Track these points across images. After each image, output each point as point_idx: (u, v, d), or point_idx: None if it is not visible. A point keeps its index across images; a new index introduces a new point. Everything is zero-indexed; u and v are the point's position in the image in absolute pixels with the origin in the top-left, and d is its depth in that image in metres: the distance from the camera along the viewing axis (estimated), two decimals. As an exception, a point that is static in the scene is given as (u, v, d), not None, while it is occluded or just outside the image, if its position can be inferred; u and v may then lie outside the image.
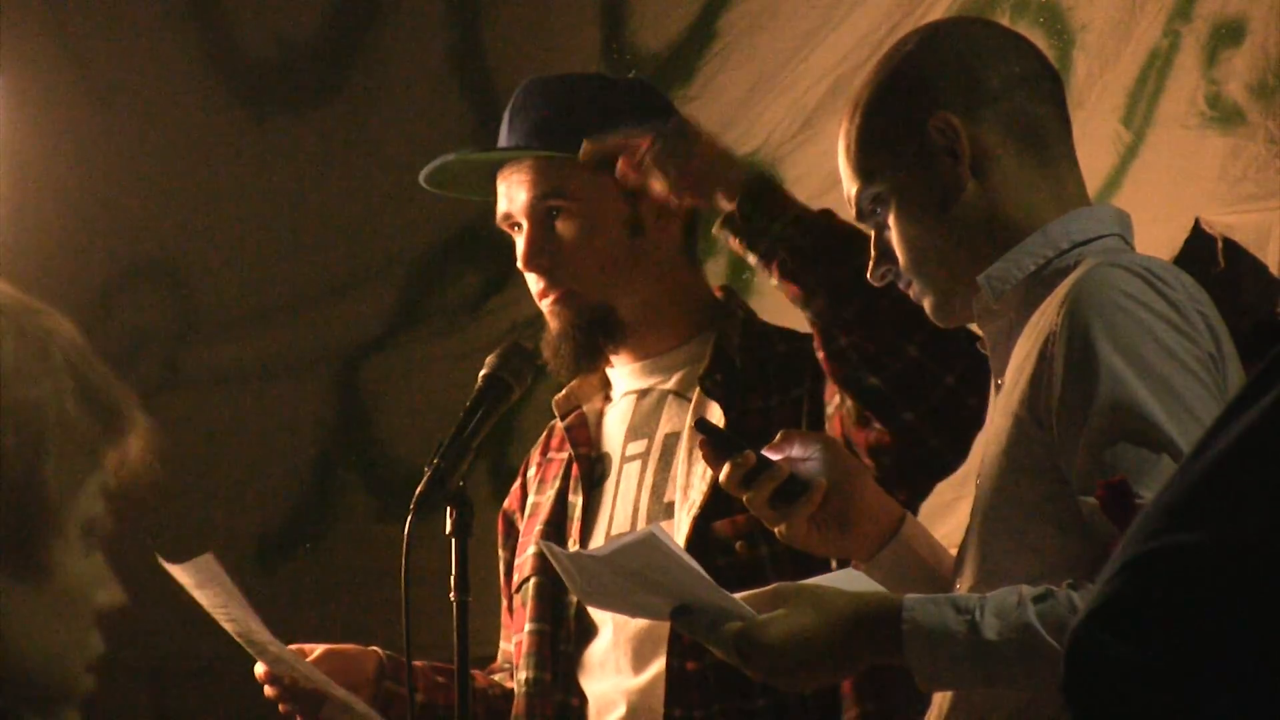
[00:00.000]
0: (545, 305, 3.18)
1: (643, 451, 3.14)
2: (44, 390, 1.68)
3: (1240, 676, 1.42)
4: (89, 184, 4.89)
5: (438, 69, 4.81)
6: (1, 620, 1.65)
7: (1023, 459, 2.39)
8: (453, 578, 2.84)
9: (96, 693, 1.73)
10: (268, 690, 3.10)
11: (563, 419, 3.25)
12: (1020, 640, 2.27)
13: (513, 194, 3.16)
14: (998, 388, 2.53)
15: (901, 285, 2.59)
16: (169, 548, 2.99)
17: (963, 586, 2.46)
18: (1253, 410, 1.45)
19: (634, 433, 3.17)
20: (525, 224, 3.15)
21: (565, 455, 3.23)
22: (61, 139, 4.87)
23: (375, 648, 3.21)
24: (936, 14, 4.02)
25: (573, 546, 3.10)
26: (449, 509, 2.86)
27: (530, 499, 3.28)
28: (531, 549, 3.20)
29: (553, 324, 3.17)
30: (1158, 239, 3.76)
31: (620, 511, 3.13)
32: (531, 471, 3.32)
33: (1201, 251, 3.83)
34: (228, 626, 3.05)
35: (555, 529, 3.18)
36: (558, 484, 3.22)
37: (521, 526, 3.29)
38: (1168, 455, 2.26)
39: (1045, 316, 2.40)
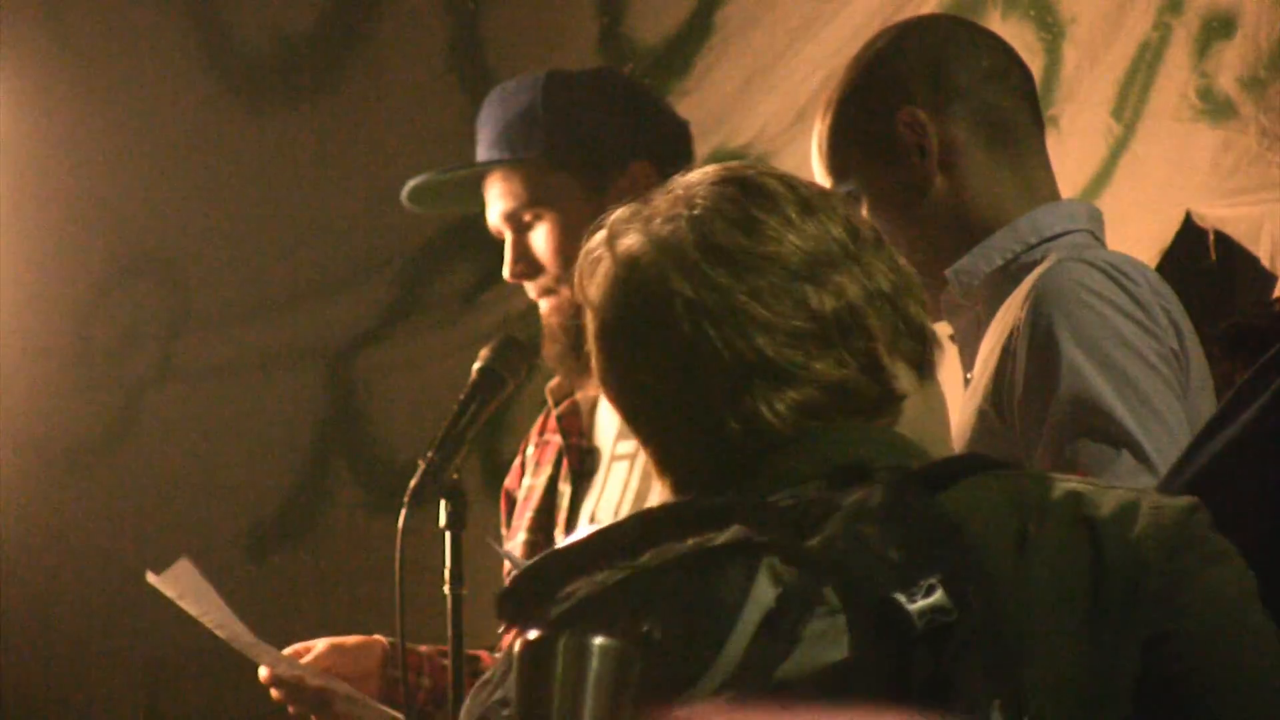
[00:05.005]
0: (541, 307, 3.21)
1: (631, 453, 3.14)
2: None
3: None
4: (86, 179, 4.90)
5: (436, 63, 4.81)
6: None
7: (987, 452, 2.35)
8: (447, 570, 2.84)
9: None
10: (274, 693, 3.10)
11: (556, 405, 3.25)
12: None
13: (491, 206, 3.22)
14: (967, 381, 2.53)
15: None
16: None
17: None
18: (1245, 413, 1.45)
19: (624, 433, 3.15)
20: (506, 234, 3.21)
21: (559, 440, 3.24)
22: (58, 134, 4.87)
23: (379, 636, 3.20)
24: (929, 8, 4.02)
25: (559, 536, 3.11)
26: (443, 502, 2.87)
27: (526, 480, 3.30)
28: (522, 535, 3.21)
29: (545, 325, 3.19)
30: (1148, 232, 3.76)
31: (603, 511, 3.13)
32: (530, 450, 3.33)
33: (1193, 245, 3.83)
34: (219, 633, 3.04)
35: (545, 516, 3.19)
36: (549, 470, 3.24)
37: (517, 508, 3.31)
38: (1128, 451, 2.26)
39: (1010, 311, 2.40)
